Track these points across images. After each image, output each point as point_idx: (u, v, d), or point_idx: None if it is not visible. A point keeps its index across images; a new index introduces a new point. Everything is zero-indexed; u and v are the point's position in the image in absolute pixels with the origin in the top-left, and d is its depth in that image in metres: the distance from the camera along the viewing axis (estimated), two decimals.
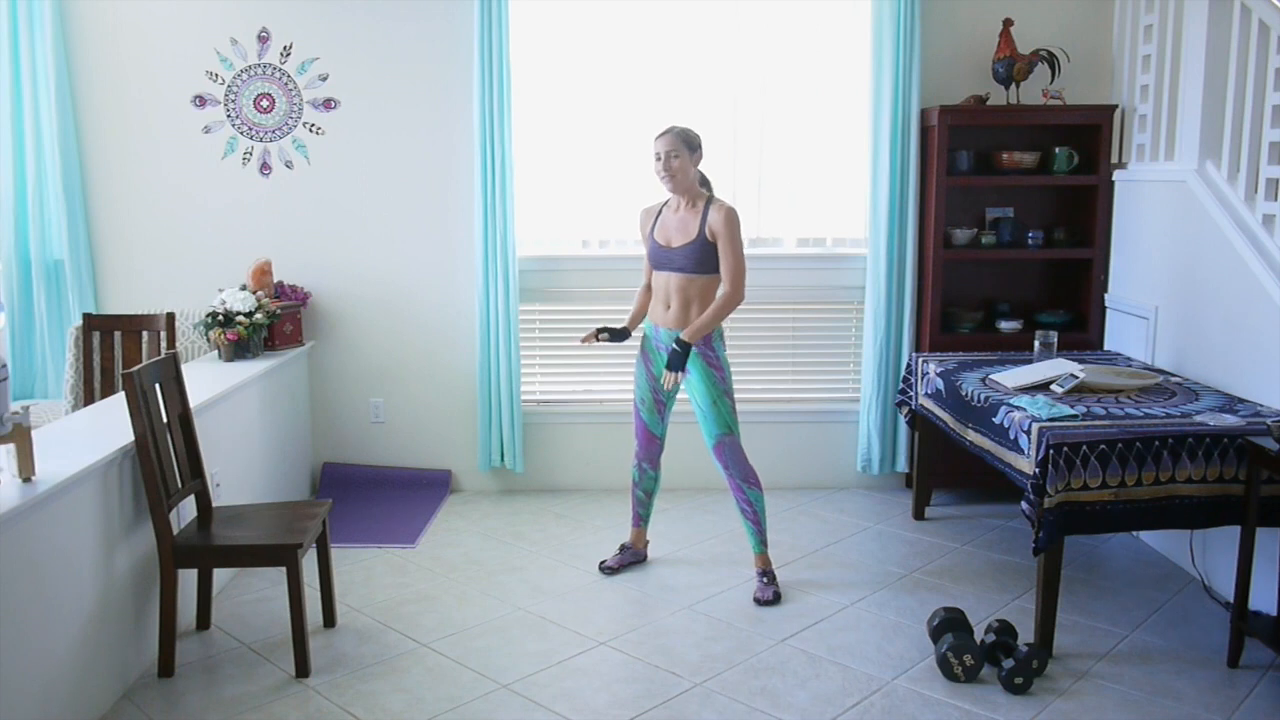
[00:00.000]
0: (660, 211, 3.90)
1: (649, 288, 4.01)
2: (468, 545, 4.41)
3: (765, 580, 3.87)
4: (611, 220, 5.04)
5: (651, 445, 4.06)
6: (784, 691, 3.16)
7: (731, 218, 3.71)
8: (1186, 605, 3.76)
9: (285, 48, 4.86)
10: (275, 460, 4.55)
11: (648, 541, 4.22)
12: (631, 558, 4.16)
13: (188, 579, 3.56)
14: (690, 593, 3.90)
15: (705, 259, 3.74)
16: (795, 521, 4.66)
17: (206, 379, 4.03)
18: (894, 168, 4.75)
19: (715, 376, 3.82)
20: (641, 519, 4.16)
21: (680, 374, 3.73)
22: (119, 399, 3.74)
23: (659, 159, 3.74)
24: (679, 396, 4.03)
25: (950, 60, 4.87)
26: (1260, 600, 3.37)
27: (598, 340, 4.00)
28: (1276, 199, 3.69)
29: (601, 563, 4.12)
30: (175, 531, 3.26)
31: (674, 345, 3.72)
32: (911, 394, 4.54)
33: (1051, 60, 4.74)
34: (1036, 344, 4.26)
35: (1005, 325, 4.79)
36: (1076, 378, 3.75)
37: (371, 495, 4.99)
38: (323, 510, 3.48)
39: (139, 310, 4.86)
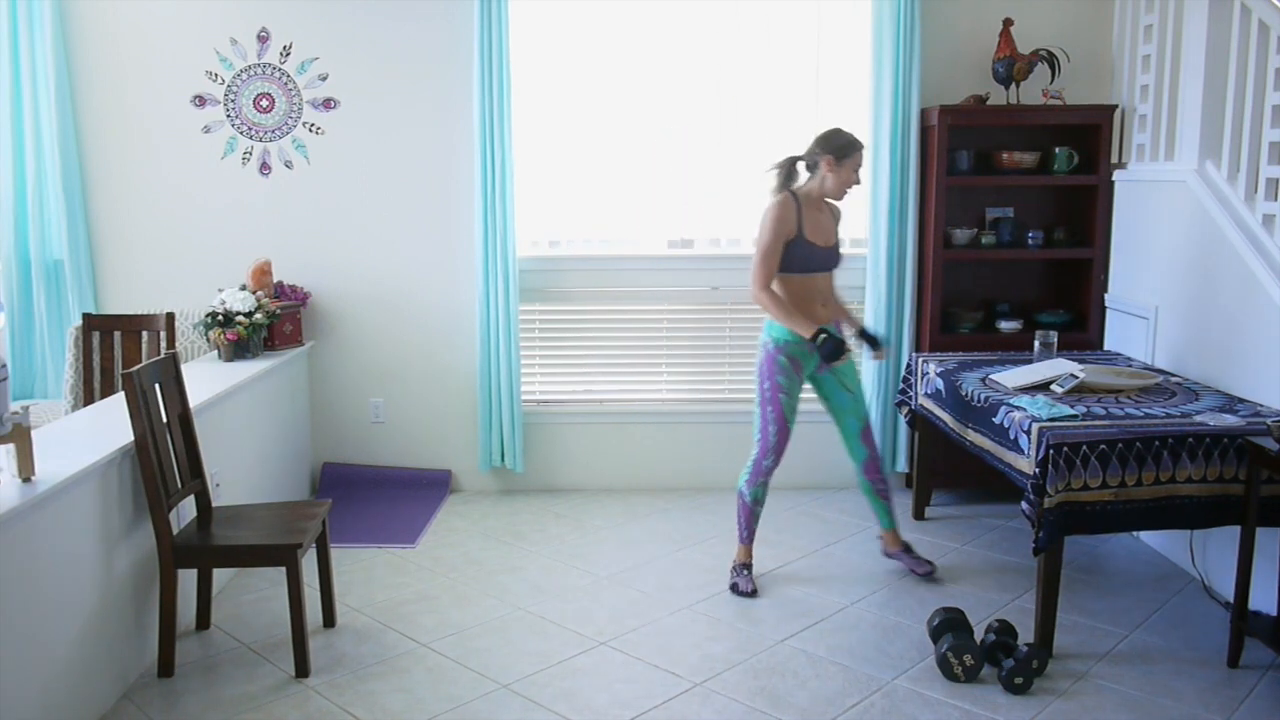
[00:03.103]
0: (801, 210, 3.75)
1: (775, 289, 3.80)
2: (468, 545, 4.41)
3: (916, 558, 4.02)
4: (612, 220, 5.04)
5: (784, 453, 3.93)
6: (784, 691, 3.16)
7: None
8: (1186, 605, 3.76)
9: (285, 48, 4.86)
10: (275, 460, 4.55)
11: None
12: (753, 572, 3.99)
13: (188, 579, 3.56)
14: (690, 593, 3.90)
15: None
16: (795, 521, 4.66)
17: (206, 379, 4.03)
18: (894, 168, 4.75)
19: (856, 362, 3.97)
20: (754, 534, 3.98)
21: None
22: (119, 399, 3.74)
23: (857, 172, 3.76)
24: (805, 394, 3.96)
25: (950, 60, 4.87)
26: (1260, 600, 3.37)
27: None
28: (1276, 199, 3.69)
29: (733, 587, 3.89)
30: (175, 531, 3.26)
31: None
32: (911, 394, 4.54)
33: (1051, 60, 4.74)
34: (1036, 344, 4.26)
35: (1005, 325, 4.79)
36: (1076, 378, 3.75)
37: (371, 495, 4.99)
38: (322, 510, 3.48)
39: (139, 310, 4.86)
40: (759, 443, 3.88)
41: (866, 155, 4.77)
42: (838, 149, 3.73)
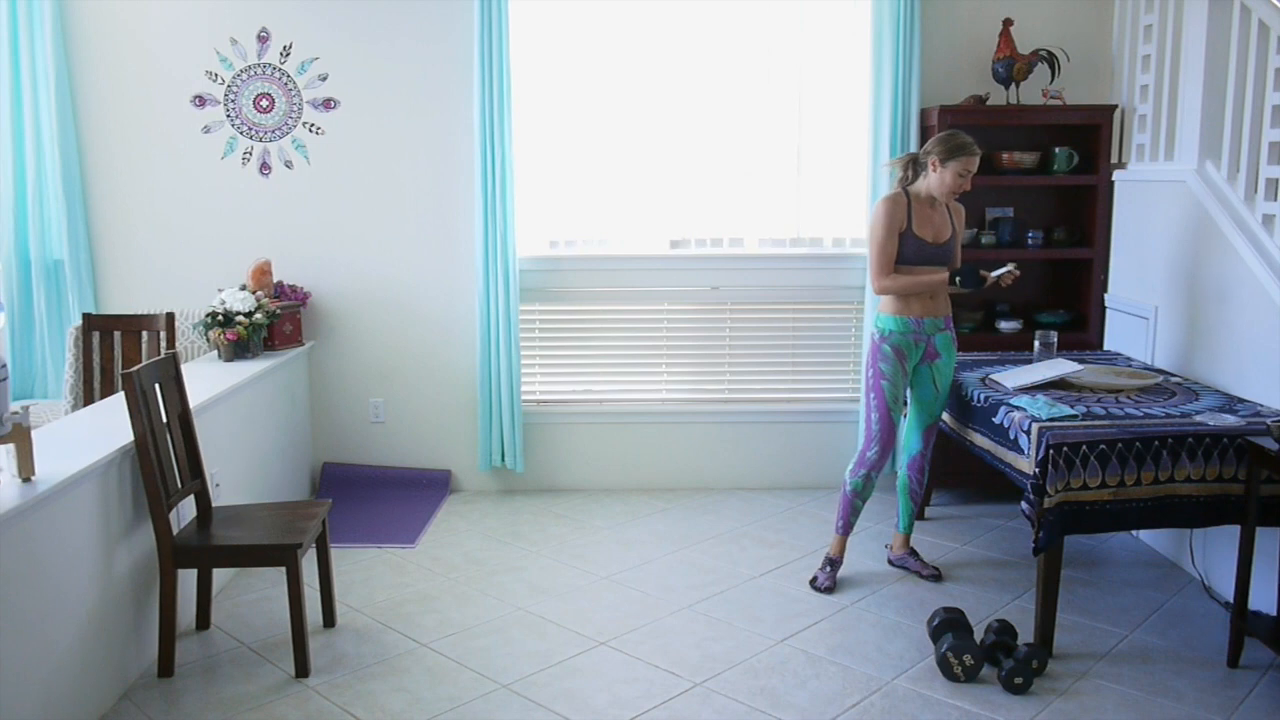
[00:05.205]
0: (911, 207, 3.79)
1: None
2: (468, 545, 4.41)
3: (922, 562, 4.05)
4: (612, 220, 5.04)
5: (893, 448, 3.95)
6: (784, 691, 3.16)
7: None
8: (1186, 605, 3.76)
9: (285, 48, 4.86)
10: (275, 460, 4.55)
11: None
12: (837, 571, 4.00)
13: (187, 579, 3.56)
14: (690, 593, 3.90)
15: None
16: (795, 521, 4.66)
17: (206, 379, 4.03)
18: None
19: (955, 361, 3.96)
20: (852, 527, 3.98)
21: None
22: (119, 399, 3.74)
23: (964, 177, 3.70)
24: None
25: (950, 60, 4.87)
26: (1260, 600, 3.37)
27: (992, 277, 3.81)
28: (1276, 199, 3.69)
29: (812, 580, 3.95)
30: (175, 531, 3.27)
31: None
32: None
33: (1051, 60, 4.74)
34: (1036, 344, 4.26)
35: (1005, 325, 4.80)
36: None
37: (371, 495, 4.99)
38: (322, 510, 3.48)
39: (139, 310, 4.86)
40: (864, 431, 3.94)
41: (867, 154, 4.82)
42: (944, 151, 3.71)
